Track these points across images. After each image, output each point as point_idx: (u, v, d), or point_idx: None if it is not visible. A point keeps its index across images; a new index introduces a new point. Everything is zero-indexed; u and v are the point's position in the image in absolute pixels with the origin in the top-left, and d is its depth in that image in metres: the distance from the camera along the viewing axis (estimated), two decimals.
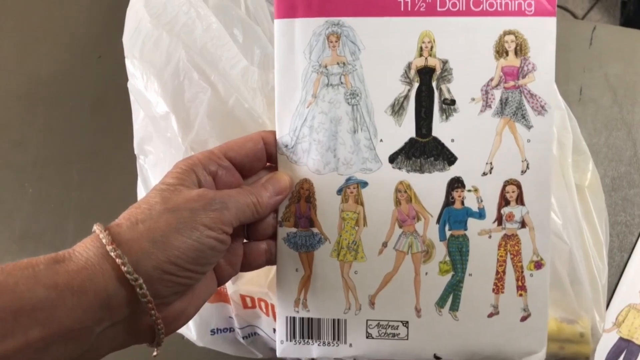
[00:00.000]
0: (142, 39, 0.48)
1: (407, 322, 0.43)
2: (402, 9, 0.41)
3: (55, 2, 0.80)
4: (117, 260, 0.33)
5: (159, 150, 0.49)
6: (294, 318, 0.44)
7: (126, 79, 0.50)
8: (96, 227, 0.34)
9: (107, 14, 0.79)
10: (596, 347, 0.48)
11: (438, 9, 0.41)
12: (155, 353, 0.39)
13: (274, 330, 0.50)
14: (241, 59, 0.47)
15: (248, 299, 0.51)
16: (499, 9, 0.41)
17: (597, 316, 0.48)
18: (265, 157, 0.43)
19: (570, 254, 0.47)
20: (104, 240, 0.33)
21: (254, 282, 0.51)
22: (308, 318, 0.44)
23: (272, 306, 0.50)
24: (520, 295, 0.43)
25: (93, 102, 0.73)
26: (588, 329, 0.47)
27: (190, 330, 0.52)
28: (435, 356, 0.43)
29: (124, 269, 0.33)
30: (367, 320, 0.44)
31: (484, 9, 0.41)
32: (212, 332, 0.52)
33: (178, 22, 0.47)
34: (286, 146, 0.43)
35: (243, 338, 0.53)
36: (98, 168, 0.70)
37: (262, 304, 0.51)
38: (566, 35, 0.72)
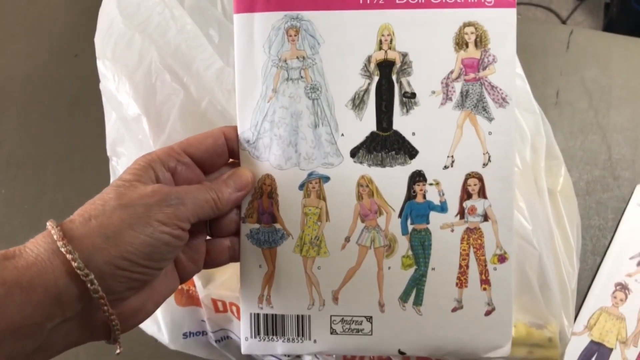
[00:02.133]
0: (114, 39, 0.47)
1: (371, 317, 0.43)
2: (361, 2, 0.41)
3: (30, 1, 0.80)
4: (68, 255, 0.32)
5: (131, 152, 0.49)
6: (257, 315, 0.44)
7: None
8: (48, 224, 0.34)
9: (84, 11, 0.78)
10: (564, 352, 0.48)
11: (397, 1, 0.41)
12: (117, 351, 0.39)
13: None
14: (216, 59, 0.47)
15: (219, 303, 0.51)
16: (458, 1, 0.41)
17: (565, 321, 0.48)
18: (226, 152, 0.43)
19: (540, 259, 0.47)
20: (55, 236, 0.33)
21: (226, 286, 0.50)
22: (272, 314, 0.44)
23: None
24: (484, 289, 0.43)
25: (69, 102, 0.73)
26: (556, 334, 0.47)
27: (162, 334, 0.51)
28: (399, 351, 0.43)
29: (74, 264, 0.32)
30: (331, 316, 0.43)
31: (444, 0, 0.41)
32: (185, 335, 0.52)
33: (151, 23, 0.47)
34: (248, 142, 0.43)
35: (216, 342, 0.52)
36: (73, 169, 0.70)
37: (234, 308, 0.50)
38: (544, 38, 0.72)
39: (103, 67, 0.48)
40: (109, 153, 0.51)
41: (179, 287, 0.51)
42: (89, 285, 0.33)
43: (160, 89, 0.46)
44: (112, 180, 0.51)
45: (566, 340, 0.48)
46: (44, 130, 0.72)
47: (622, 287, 0.62)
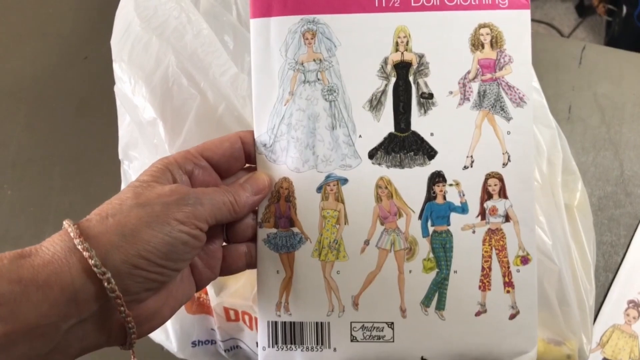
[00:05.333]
0: (131, 42, 0.47)
1: (392, 323, 0.42)
2: (376, 4, 0.41)
3: (41, 1, 0.80)
4: (84, 253, 0.32)
5: (145, 157, 0.49)
6: (275, 322, 0.43)
7: (112, 82, 0.49)
8: (65, 222, 0.34)
9: (94, 14, 0.78)
10: None
11: (412, 4, 0.41)
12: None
13: (257, 343, 0.48)
14: (231, 65, 0.47)
15: (232, 312, 0.49)
16: (472, 3, 0.41)
17: (584, 338, 0.47)
18: (243, 156, 0.42)
19: (560, 274, 0.46)
20: (71, 234, 0.33)
21: (239, 294, 0.49)
22: (290, 322, 0.42)
23: (256, 319, 0.48)
24: (508, 292, 0.42)
25: (77, 103, 0.72)
26: (575, 351, 0.46)
27: (170, 342, 0.50)
28: (422, 358, 0.42)
29: (91, 262, 0.32)
30: (351, 323, 0.42)
31: (458, 3, 0.41)
32: (194, 344, 0.51)
33: (168, 27, 0.47)
34: (264, 145, 0.42)
35: (225, 351, 0.51)
36: (80, 171, 0.69)
37: (246, 317, 0.49)
38: (556, 53, 0.73)
39: (119, 69, 0.48)
40: (120, 156, 0.50)
41: None
42: (105, 284, 0.32)
43: (177, 93, 0.46)
44: (123, 183, 0.51)
45: (585, 358, 0.46)
46: (51, 132, 0.71)
47: (635, 305, 0.60)
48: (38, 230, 0.67)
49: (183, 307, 0.50)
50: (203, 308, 0.50)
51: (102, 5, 0.79)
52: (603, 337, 0.59)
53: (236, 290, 0.49)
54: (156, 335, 0.51)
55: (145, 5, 0.48)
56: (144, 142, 0.48)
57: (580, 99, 0.70)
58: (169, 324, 0.50)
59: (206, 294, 0.50)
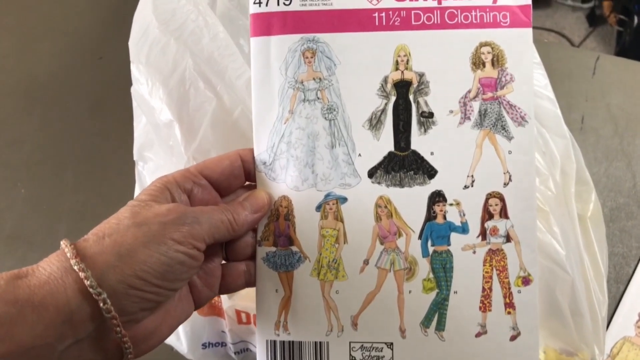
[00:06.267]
0: (149, 44, 0.48)
1: (392, 343, 0.41)
2: (376, 23, 0.41)
3: (58, 1, 0.80)
4: (80, 273, 0.32)
5: (159, 158, 0.49)
6: (274, 342, 0.42)
7: (127, 82, 0.49)
8: (62, 243, 0.34)
9: (110, 15, 0.79)
10: None
11: (413, 22, 0.41)
12: None
13: None
14: (247, 69, 0.47)
15: (243, 315, 0.50)
16: (474, 21, 0.41)
17: (596, 349, 0.46)
18: (242, 174, 0.42)
19: (573, 285, 0.45)
20: (68, 254, 0.33)
21: (251, 297, 0.49)
22: (289, 341, 0.42)
23: None
24: (509, 313, 0.41)
25: (92, 103, 0.73)
26: None
27: (181, 343, 0.50)
28: None
29: (86, 282, 0.32)
30: (350, 343, 0.42)
31: (459, 21, 0.41)
32: (204, 345, 0.51)
33: (186, 30, 0.47)
34: (264, 163, 0.42)
35: (235, 353, 0.51)
36: (93, 171, 0.69)
37: None
38: (569, 63, 0.72)
39: (136, 71, 0.48)
40: (135, 157, 0.50)
41: None
42: (101, 304, 0.32)
43: (194, 96, 0.46)
44: (137, 184, 0.51)
45: None
46: (65, 132, 0.71)
47: None
48: (51, 229, 0.67)
49: None
50: (214, 310, 0.50)
51: (118, 5, 0.80)
52: (613, 348, 0.58)
53: (248, 293, 0.49)
54: None
55: (164, 8, 0.48)
56: (159, 144, 0.48)
57: (593, 110, 0.70)
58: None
59: (218, 296, 0.50)
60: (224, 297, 0.49)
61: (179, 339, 0.51)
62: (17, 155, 0.71)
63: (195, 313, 0.50)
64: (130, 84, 0.50)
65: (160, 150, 0.48)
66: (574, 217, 0.48)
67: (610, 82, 0.71)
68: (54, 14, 0.81)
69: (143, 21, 0.49)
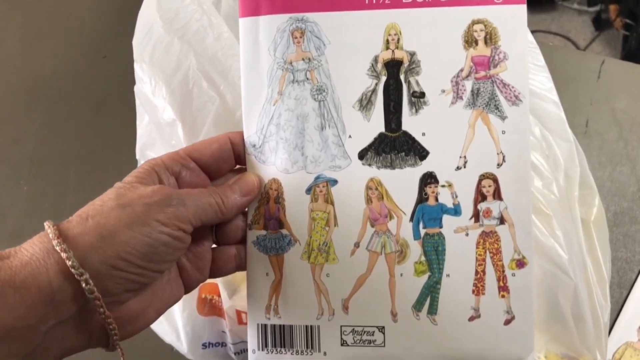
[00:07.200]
0: (152, 43, 0.48)
1: (383, 327, 0.41)
2: (366, 2, 0.40)
3: (62, 0, 0.81)
4: (62, 254, 0.32)
5: None
6: (265, 325, 0.42)
7: (131, 81, 0.49)
8: (46, 224, 0.34)
9: (114, 13, 0.79)
10: None
11: (404, 0, 0.40)
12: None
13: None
14: None
15: (244, 315, 0.49)
16: None
17: (598, 355, 0.46)
18: (232, 158, 0.42)
19: (575, 289, 0.45)
20: (50, 235, 0.32)
21: None
22: (280, 325, 0.42)
23: None
24: (503, 296, 0.40)
25: (95, 102, 0.73)
26: None
27: (181, 343, 0.50)
28: None
29: (68, 263, 0.31)
30: (341, 327, 0.41)
31: None
32: (204, 345, 0.51)
33: (190, 29, 0.47)
34: (254, 146, 0.42)
35: (235, 354, 0.51)
36: (96, 169, 0.69)
37: None
38: (574, 66, 0.72)
39: (140, 70, 0.48)
40: (138, 156, 0.50)
41: (202, 296, 0.50)
42: (83, 285, 0.32)
43: (197, 95, 0.46)
44: None
45: None
46: (68, 130, 0.72)
47: None
48: None
49: (195, 308, 0.50)
50: (215, 310, 0.50)
51: (122, 4, 0.80)
52: (615, 354, 0.57)
53: None
54: (167, 336, 0.51)
55: (168, 7, 0.48)
56: (162, 143, 0.48)
57: (598, 113, 0.69)
58: (180, 325, 0.50)
59: (218, 296, 0.50)
60: (224, 297, 0.49)
61: (179, 338, 0.51)
62: (20, 152, 0.72)
63: (195, 313, 0.50)
64: (133, 82, 0.50)
65: (163, 149, 0.48)
66: (577, 221, 0.48)
67: (616, 86, 0.70)
68: (58, 13, 0.81)
69: (147, 20, 0.49)
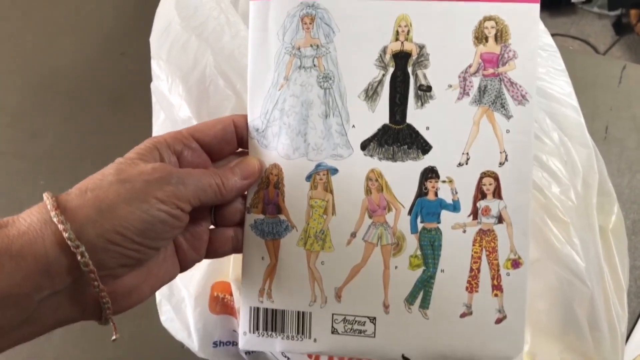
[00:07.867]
0: (170, 40, 0.48)
1: (375, 318, 0.41)
2: None
3: None
4: (59, 225, 0.32)
5: None
6: (257, 308, 0.42)
7: (148, 78, 0.49)
8: (45, 195, 0.34)
9: (134, 11, 0.80)
10: None
11: None
12: (113, 337, 0.38)
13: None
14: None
15: None
16: None
17: None
18: (235, 140, 0.42)
19: (592, 298, 0.44)
20: (48, 206, 0.33)
21: None
22: (272, 309, 0.42)
23: None
24: (496, 295, 0.40)
25: (112, 98, 0.74)
26: None
27: (192, 341, 0.50)
28: (403, 357, 0.41)
29: (65, 234, 0.32)
30: (332, 314, 0.41)
31: None
32: (215, 344, 0.50)
33: (208, 27, 0.47)
34: (257, 130, 0.42)
35: (246, 353, 0.51)
36: None
37: None
38: (594, 71, 0.71)
39: (157, 67, 0.48)
40: None
41: (214, 294, 0.50)
42: (79, 257, 0.32)
43: (213, 93, 0.46)
44: None
45: None
46: (85, 125, 0.73)
47: None
48: None
49: (207, 307, 0.50)
50: (227, 309, 0.50)
51: (140, 2, 0.80)
52: None
53: None
54: (178, 333, 0.51)
55: (186, 4, 0.48)
56: None
57: (618, 120, 0.68)
58: (191, 323, 0.50)
59: (231, 294, 0.50)
60: (236, 296, 0.49)
61: (190, 336, 0.51)
62: (38, 147, 0.73)
63: (207, 311, 0.50)
64: (150, 80, 0.50)
65: None
66: (595, 229, 0.47)
67: (637, 92, 0.69)
68: (77, 10, 0.81)
69: (165, 18, 0.49)
